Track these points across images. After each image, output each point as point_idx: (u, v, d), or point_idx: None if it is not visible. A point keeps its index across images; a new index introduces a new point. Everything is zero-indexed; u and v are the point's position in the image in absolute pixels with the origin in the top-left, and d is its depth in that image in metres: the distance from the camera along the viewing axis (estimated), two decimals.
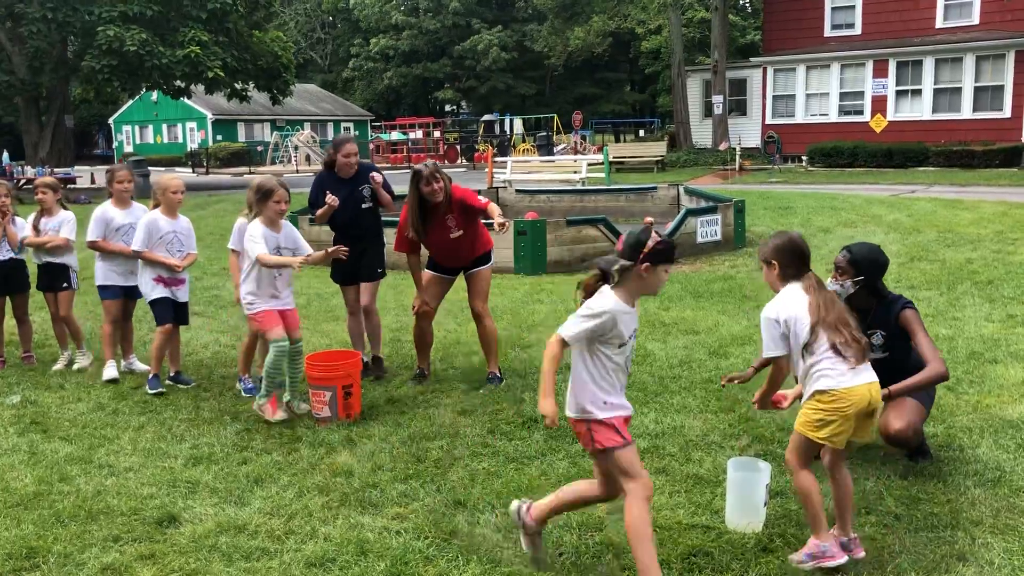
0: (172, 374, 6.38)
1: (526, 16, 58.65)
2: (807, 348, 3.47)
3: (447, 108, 66.11)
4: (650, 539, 3.24)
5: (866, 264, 4.35)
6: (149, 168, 24.50)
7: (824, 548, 3.48)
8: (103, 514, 4.12)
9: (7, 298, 6.97)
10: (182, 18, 27.88)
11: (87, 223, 6.42)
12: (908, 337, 4.39)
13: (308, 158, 41.44)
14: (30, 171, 25.99)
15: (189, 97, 33.96)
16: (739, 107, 32.32)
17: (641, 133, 48.45)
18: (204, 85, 30.09)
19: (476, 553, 3.66)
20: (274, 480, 4.50)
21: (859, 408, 3.43)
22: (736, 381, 4.16)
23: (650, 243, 3.22)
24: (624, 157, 31.08)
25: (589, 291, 3.34)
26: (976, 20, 26.04)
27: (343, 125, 56.57)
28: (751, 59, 32.06)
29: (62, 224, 6.80)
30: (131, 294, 6.56)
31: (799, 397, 3.69)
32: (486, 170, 24.19)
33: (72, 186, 25.50)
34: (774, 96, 28.87)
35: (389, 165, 40.34)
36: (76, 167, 29.79)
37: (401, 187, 6.78)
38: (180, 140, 52.93)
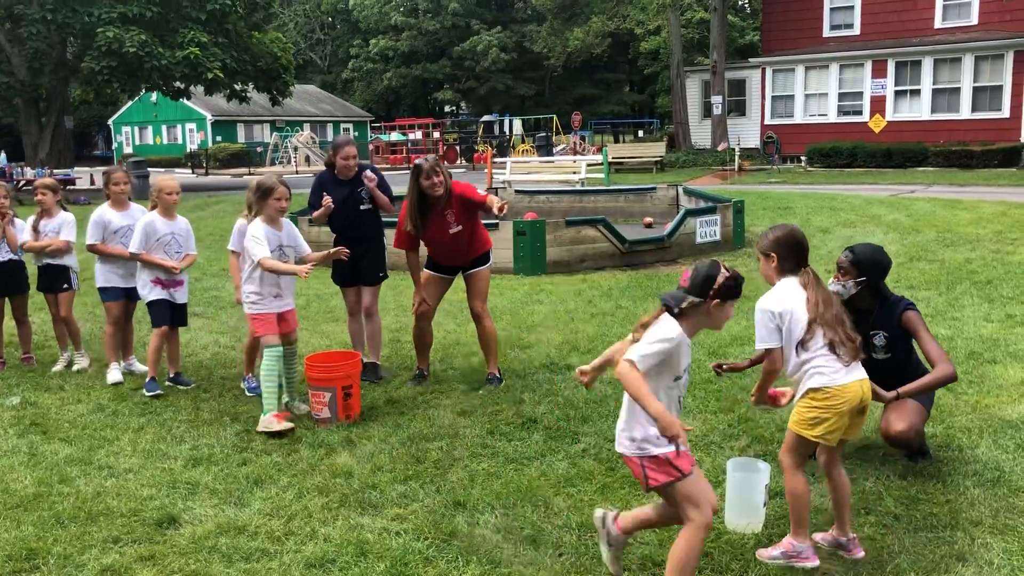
0: (171, 375, 6.38)
1: (525, 17, 58.65)
2: (802, 344, 3.47)
3: (446, 109, 66.11)
4: (692, 572, 3.12)
5: (868, 265, 4.34)
6: (148, 169, 24.53)
7: (800, 549, 3.49)
8: (103, 515, 4.13)
9: (7, 299, 6.98)
10: (181, 19, 27.88)
11: (86, 224, 6.42)
12: (909, 338, 4.40)
13: (308, 159, 41.43)
14: (29, 172, 25.97)
15: (188, 98, 34.00)
16: (738, 107, 32.32)
17: (640, 134, 48.38)
18: (203, 86, 30.11)
19: (476, 554, 3.67)
20: (274, 481, 4.50)
21: (852, 405, 3.45)
22: (727, 368, 4.19)
23: (720, 279, 3.11)
24: (623, 158, 31.05)
25: (647, 327, 3.17)
26: (975, 20, 26.04)
27: (342, 126, 56.56)
28: (750, 60, 32.04)
29: (62, 225, 6.80)
30: (132, 295, 6.55)
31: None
32: (485, 171, 24.18)
33: (71, 187, 25.49)
34: (773, 96, 28.87)
35: (388, 166, 40.34)
36: (76, 168, 29.83)
37: (400, 188, 6.78)
38: (180, 141, 52.90)
